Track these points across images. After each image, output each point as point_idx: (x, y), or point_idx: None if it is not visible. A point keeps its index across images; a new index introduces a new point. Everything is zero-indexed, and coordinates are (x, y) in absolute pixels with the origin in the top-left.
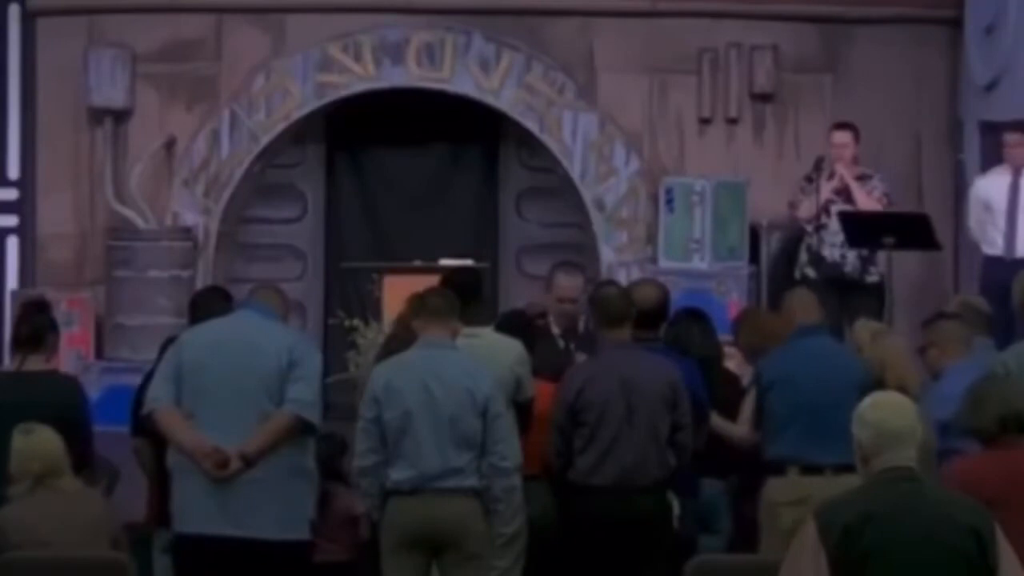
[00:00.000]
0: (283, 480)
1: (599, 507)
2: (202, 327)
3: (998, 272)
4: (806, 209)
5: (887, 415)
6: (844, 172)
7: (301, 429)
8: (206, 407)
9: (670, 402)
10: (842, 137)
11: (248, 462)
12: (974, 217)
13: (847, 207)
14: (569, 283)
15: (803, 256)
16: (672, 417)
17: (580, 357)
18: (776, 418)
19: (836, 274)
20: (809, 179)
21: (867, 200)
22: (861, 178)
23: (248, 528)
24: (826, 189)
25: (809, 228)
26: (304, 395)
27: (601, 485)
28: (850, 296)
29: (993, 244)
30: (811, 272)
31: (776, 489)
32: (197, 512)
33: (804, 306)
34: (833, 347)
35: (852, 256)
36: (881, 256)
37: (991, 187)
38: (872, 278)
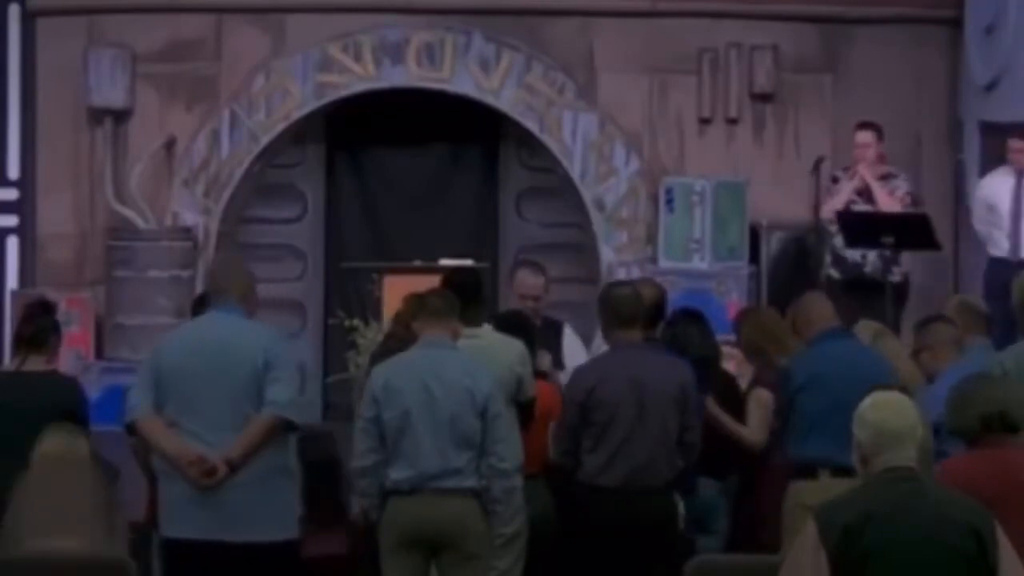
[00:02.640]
0: (267, 481)
1: (607, 508)
2: (175, 332)
3: (1003, 273)
4: (827, 210)
5: (887, 415)
6: (865, 172)
7: (283, 429)
8: (187, 413)
9: (680, 403)
10: (864, 137)
11: (233, 468)
12: (978, 218)
13: (868, 207)
14: (532, 280)
15: (827, 257)
16: (682, 418)
17: (542, 355)
18: (807, 419)
19: (857, 274)
20: (835, 179)
21: (888, 200)
22: (885, 177)
23: (236, 532)
24: (848, 189)
25: (832, 229)
26: (282, 395)
27: (609, 486)
28: (871, 296)
29: (998, 246)
30: (835, 273)
31: (805, 492)
32: (184, 517)
33: (823, 311)
34: (862, 349)
35: (873, 256)
36: (906, 257)
37: (995, 189)
38: (894, 278)
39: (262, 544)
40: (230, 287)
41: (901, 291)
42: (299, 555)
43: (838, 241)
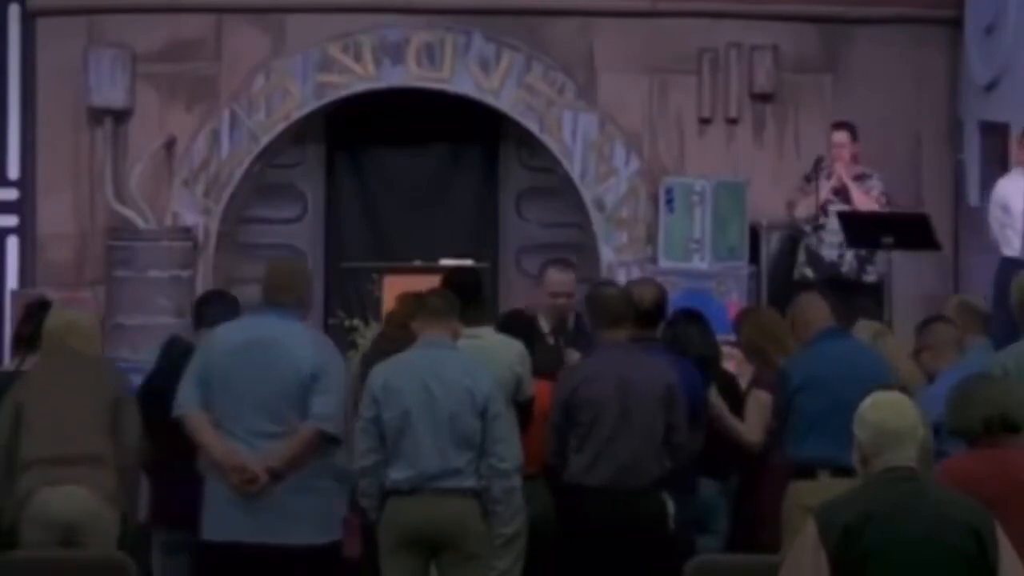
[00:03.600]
0: (313, 484)
1: (593, 507)
2: (226, 329)
3: (1014, 273)
4: (803, 209)
5: (887, 415)
6: (842, 172)
7: (326, 441)
8: (232, 412)
9: (666, 403)
10: (840, 137)
11: (276, 476)
12: (993, 218)
13: (845, 207)
14: (562, 278)
15: (801, 256)
16: (667, 418)
17: (570, 353)
18: (806, 419)
19: (833, 274)
20: (808, 179)
21: (864, 199)
22: (860, 177)
23: (280, 535)
24: (824, 189)
25: (807, 228)
26: (327, 408)
27: (595, 485)
28: (848, 296)
29: (1011, 245)
30: (809, 272)
31: (804, 492)
32: (228, 519)
33: (819, 312)
34: (861, 349)
35: (849, 256)
36: (880, 256)
37: (1009, 189)
38: (870, 278)
39: (305, 547)
40: (288, 289)
41: (877, 292)
42: (341, 557)
43: (812, 240)
